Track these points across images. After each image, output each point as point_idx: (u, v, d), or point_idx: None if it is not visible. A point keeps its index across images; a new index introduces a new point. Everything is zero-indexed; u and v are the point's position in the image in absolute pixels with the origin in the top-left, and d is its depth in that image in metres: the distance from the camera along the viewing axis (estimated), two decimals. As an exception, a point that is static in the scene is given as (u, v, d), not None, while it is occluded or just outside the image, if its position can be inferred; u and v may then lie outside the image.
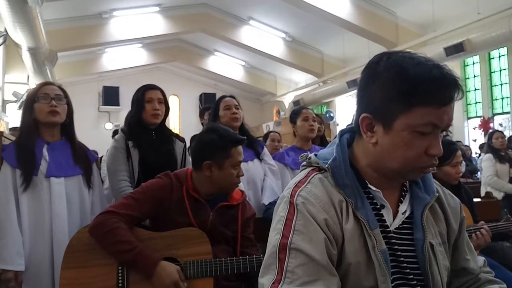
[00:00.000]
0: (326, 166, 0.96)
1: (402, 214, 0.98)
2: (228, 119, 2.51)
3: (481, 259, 1.06)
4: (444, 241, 1.00)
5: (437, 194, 1.01)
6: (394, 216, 0.97)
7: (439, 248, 0.97)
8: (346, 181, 0.94)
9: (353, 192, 0.93)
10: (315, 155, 1.02)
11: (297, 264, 0.86)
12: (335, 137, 1.08)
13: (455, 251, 1.03)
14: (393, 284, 0.91)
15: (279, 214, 0.93)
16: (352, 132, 1.03)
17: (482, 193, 4.48)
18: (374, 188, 0.96)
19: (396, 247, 0.94)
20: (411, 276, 0.93)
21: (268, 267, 0.89)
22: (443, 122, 0.87)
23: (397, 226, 0.96)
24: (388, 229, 0.95)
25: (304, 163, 1.04)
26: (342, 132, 1.04)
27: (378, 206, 0.96)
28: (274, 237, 0.91)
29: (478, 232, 2.04)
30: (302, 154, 1.07)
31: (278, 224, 0.91)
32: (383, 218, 0.95)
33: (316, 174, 0.97)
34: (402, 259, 0.93)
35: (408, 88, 0.85)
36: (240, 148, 1.81)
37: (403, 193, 1.00)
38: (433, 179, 1.04)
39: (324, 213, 0.90)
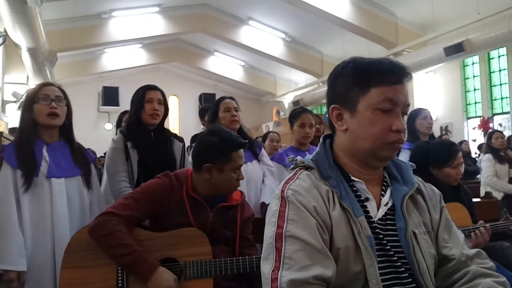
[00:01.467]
0: (311, 158, 1.06)
1: (385, 205, 1.05)
2: (227, 121, 2.51)
3: (473, 250, 1.08)
4: (429, 230, 1.07)
5: (417, 186, 1.09)
6: (378, 209, 1.04)
7: (423, 236, 1.03)
8: (330, 173, 1.03)
9: (338, 183, 1.01)
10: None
11: (294, 250, 0.91)
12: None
13: (436, 240, 1.08)
14: (381, 271, 0.96)
15: (272, 209, 1.00)
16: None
17: (482, 193, 4.48)
18: (357, 179, 1.04)
19: (381, 236, 1.00)
20: (399, 264, 0.98)
21: (267, 257, 0.94)
22: (399, 99, 1.00)
23: (381, 217, 1.03)
24: (372, 220, 1.01)
25: (292, 165, 1.12)
26: (325, 137, 1.14)
27: (362, 199, 1.03)
28: (270, 229, 0.97)
29: (477, 231, 2.04)
30: (289, 157, 1.17)
31: (272, 218, 0.98)
32: (367, 209, 1.02)
33: (303, 171, 1.06)
34: (388, 247, 0.99)
35: (363, 74, 1.01)
36: (242, 152, 1.81)
37: (384, 188, 1.08)
38: (412, 173, 1.11)
39: (312, 201, 0.97)
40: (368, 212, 1.01)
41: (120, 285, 1.62)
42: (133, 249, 1.59)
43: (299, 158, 1.11)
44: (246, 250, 1.79)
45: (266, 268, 0.93)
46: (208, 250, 1.67)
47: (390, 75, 0.99)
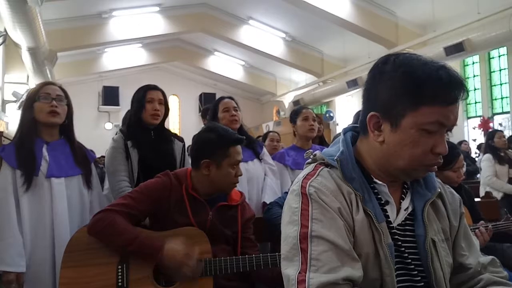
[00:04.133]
0: (335, 158, 0.98)
1: (405, 210, 0.99)
2: (227, 121, 2.51)
3: (487, 258, 1.05)
4: (447, 237, 1.01)
5: (439, 190, 1.02)
6: (397, 213, 0.99)
7: (441, 244, 0.98)
8: (353, 175, 0.96)
9: (360, 186, 0.95)
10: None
11: (321, 251, 0.86)
12: (334, 137, 1.10)
13: (453, 247, 1.04)
14: (397, 279, 0.92)
15: (292, 206, 0.94)
16: (354, 131, 1.05)
17: (481, 193, 4.47)
18: (379, 182, 0.97)
19: (400, 242, 0.95)
20: (415, 272, 0.94)
21: (291, 259, 0.89)
22: (449, 121, 0.89)
23: (400, 222, 0.98)
24: (391, 225, 0.96)
25: (309, 159, 1.05)
26: (345, 130, 1.06)
27: (383, 202, 0.97)
28: (292, 229, 0.91)
29: (477, 231, 2.05)
30: (308, 151, 1.09)
31: (294, 216, 0.92)
32: (387, 213, 0.97)
33: (324, 167, 0.99)
34: (406, 254, 0.95)
35: (416, 87, 0.87)
36: (239, 147, 1.81)
37: (405, 191, 1.01)
38: (434, 176, 1.05)
39: (337, 202, 0.92)
40: (388, 217, 0.96)
41: (120, 284, 1.61)
42: (135, 234, 1.60)
43: (318, 153, 1.04)
44: (248, 250, 1.79)
45: (291, 270, 0.87)
46: (208, 249, 1.67)
47: (447, 94, 0.87)
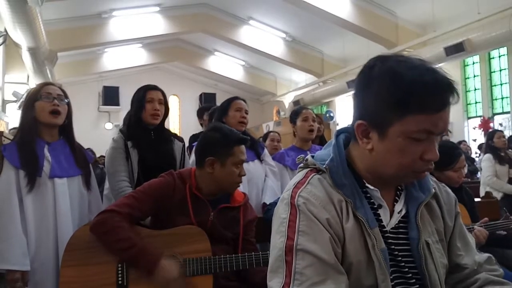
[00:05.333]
0: (324, 166, 0.96)
1: (398, 213, 0.98)
2: (236, 121, 2.52)
3: (483, 256, 1.04)
4: (441, 238, 1.00)
5: (433, 191, 1.01)
6: (391, 216, 0.97)
7: (436, 246, 0.97)
8: (344, 181, 0.94)
9: (352, 192, 0.93)
10: (312, 156, 1.02)
11: (305, 265, 0.86)
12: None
13: (449, 247, 1.03)
14: (392, 283, 0.91)
15: (281, 216, 0.93)
16: (348, 133, 1.03)
17: (482, 193, 4.48)
18: (371, 187, 0.96)
19: (393, 246, 0.94)
20: (410, 275, 0.94)
21: (276, 271, 0.88)
22: (438, 128, 0.86)
23: (394, 225, 0.97)
24: (385, 229, 0.95)
25: (301, 164, 1.04)
26: (338, 132, 1.04)
27: (376, 206, 0.96)
28: (278, 240, 0.90)
29: (476, 231, 2.05)
30: (299, 156, 1.08)
31: (281, 227, 0.91)
32: (380, 218, 0.96)
33: (315, 174, 0.97)
34: (400, 258, 0.94)
35: (402, 95, 0.84)
36: (243, 147, 1.83)
37: (398, 192, 1.00)
38: (429, 178, 1.03)
39: (325, 213, 0.90)
40: (381, 221, 0.95)
41: (120, 282, 1.62)
42: (134, 242, 1.60)
43: (309, 158, 1.02)
44: (248, 252, 1.79)
45: (275, 283, 0.87)
46: (208, 247, 1.67)
47: (434, 101, 0.83)
